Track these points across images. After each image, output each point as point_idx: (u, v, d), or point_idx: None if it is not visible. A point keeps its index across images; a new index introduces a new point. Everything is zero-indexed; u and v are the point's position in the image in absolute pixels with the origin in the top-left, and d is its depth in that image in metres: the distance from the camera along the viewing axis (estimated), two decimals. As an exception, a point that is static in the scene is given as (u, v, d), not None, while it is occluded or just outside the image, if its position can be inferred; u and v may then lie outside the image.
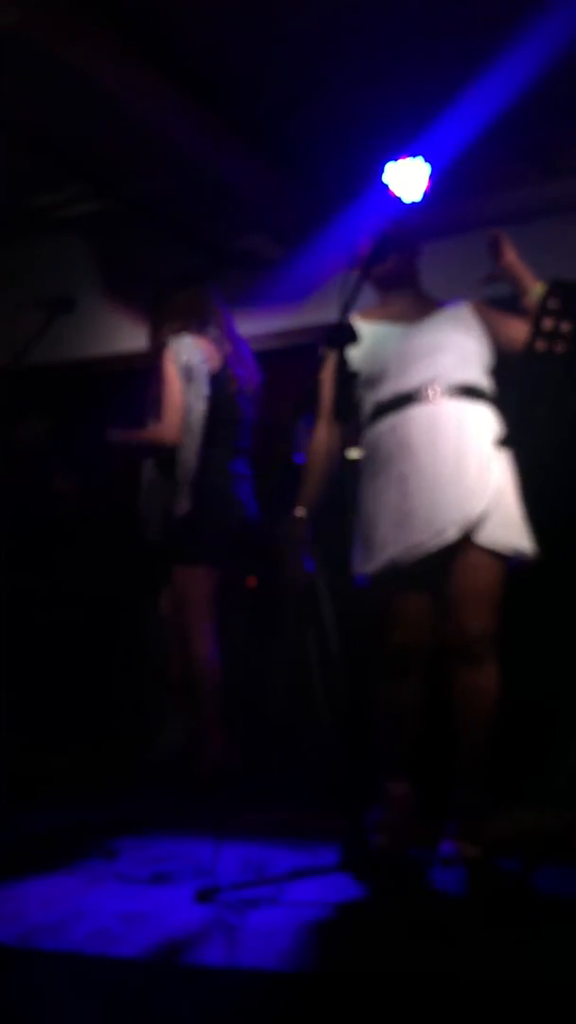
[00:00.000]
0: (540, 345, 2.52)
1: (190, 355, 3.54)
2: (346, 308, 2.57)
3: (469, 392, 2.64)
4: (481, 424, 2.63)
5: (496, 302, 2.81)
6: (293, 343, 4.95)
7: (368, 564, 2.63)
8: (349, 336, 2.58)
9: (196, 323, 3.62)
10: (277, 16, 3.55)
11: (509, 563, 2.61)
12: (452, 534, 2.53)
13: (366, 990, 1.89)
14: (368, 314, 2.81)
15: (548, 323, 2.48)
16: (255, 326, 5.08)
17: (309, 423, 4.00)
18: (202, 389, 3.54)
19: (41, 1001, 1.91)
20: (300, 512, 2.78)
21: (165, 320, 3.66)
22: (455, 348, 2.66)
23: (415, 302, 2.81)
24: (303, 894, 2.42)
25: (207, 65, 3.80)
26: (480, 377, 2.68)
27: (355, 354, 2.69)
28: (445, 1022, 1.79)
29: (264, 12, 3.53)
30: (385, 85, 3.84)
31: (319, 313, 4.67)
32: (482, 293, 2.84)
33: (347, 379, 2.59)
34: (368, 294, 2.81)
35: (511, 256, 2.71)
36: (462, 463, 2.57)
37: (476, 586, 2.55)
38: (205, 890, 2.40)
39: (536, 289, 2.65)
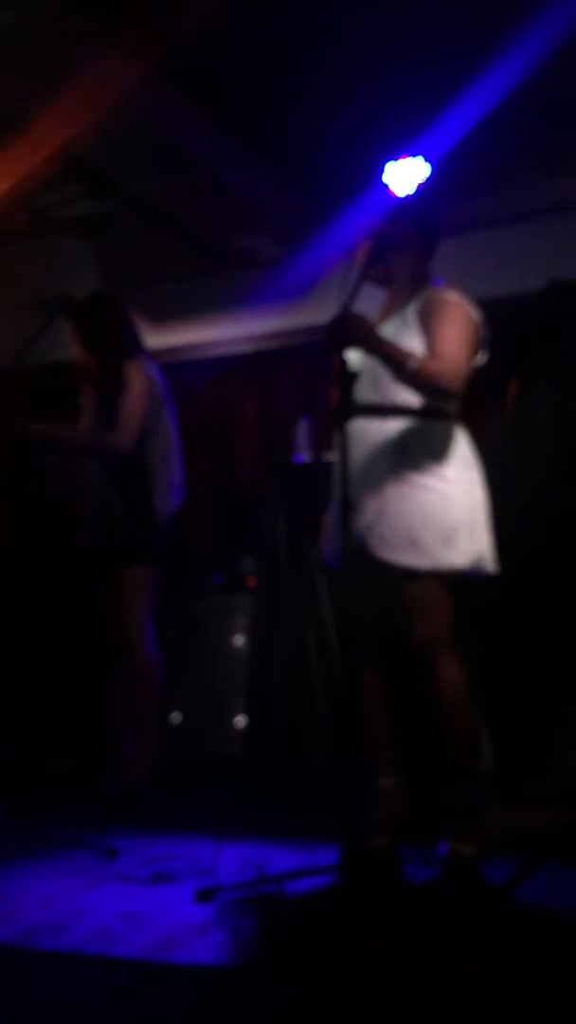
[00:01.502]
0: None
1: (159, 378, 3.64)
2: (346, 308, 2.57)
3: (375, 410, 2.65)
4: (382, 441, 2.64)
5: (499, 301, 2.79)
6: (293, 343, 4.95)
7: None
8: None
9: (136, 345, 3.69)
10: (277, 15, 3.55)
11: (465, 575, 2.62)
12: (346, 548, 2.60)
13: (364, 990, 1.89)
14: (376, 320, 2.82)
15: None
16: (255, 326, 5.09)
17: (309, 423, 4.03)
18: (169, 413, 3.65)
19: (41, 1001, 1.91)
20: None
21: (92, 337, 3.69)
22: (369, 365, 2.64)
23: (385, 312, 2.79)
24: (303, 894, 2.42)
25: (207, 64, 3.80)
26: (394, 392, 2.63)
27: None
28: (441, 1021, 1.79)
29: (264, 11, 3.53)
30: (385, 84, 3.84)
31: (319, 313, 4.66)
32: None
33: (348, 379, 2.58)
34: (373, 295, 2.80)
35: (366, 337, 2.57)
36: (363, 478, 2.61)
37: (404, 596, 2.59)
38: (205, 890, 2.40)
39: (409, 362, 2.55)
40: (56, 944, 2.15)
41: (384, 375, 2.62)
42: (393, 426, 2.65)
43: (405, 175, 2.73)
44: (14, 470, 3.83)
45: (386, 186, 2.73)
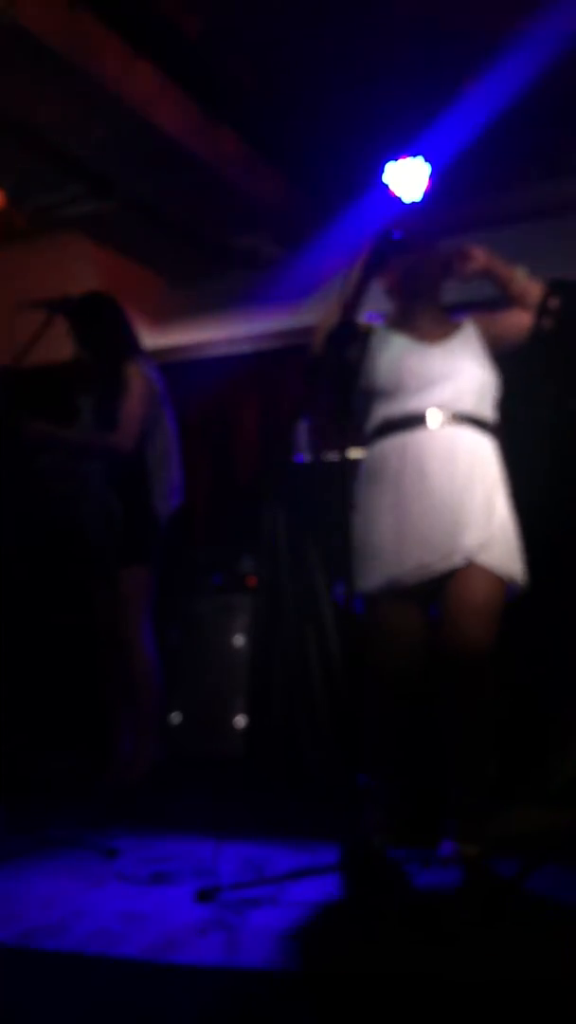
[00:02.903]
0: (547, 323, 2.55)
1: (158, 379, 3.65)
2: (346, 309, 2.57)
3: (477, 422, 2.66)
4: (487, 453, 2.65)
5: (500, 302, 2.79)
6: (293, 343, 4.95)
7: (364, 582, 2.62)
8: (349, 336, 2.57)
9: (135, 346, 3.70)
10: (278, 16, 3.56)
11: (507, 593, 2.61)
12: (458, 560, 2.55)
13: (365, 990, 1.89)
14: (394, 324, 2.80)
15: (554, 302, 2.51)
16: (255, 326, 5.09)
17: (309, 423, 4.02)
18: (168, 414, 3.67)
19: (41, 1001, 1.91)
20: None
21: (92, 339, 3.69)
22: (468, 376, 2.66)
23: (436, 319, 2.78)
24: (303, 894, 2.42)
25: (208, 65, 3.80)
26: (488, 408, 2.70)
27: (378, 362, 2.69)
28: (442, 1021, 1.79)
29: (265, 12, 3.54)
30: (386, 85, 3.84)
31: (319, 313, 4.67)
32: (476, 293, 2.83)
33: (347, 379, 2.58)
34: (376, 298, 2.79)
35: (481, 261, 2.71)
36: (470, 489, 2.58)
37: (475, 601, 2.54)
38: (205, 890, 2.40)
39: (518, 274, 2.68)
40: (56, 944, 2.15)
41: (484, 385, 2.68)
42: (488, 440, 2.68)
43: (405, 175, 2.74)
44: (14, 470, 3.83)
45: (386, 186, 2.73)
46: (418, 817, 2.75)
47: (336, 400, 2.58)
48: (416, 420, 2.64)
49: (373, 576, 2.60)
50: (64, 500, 3.72)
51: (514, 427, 2.74)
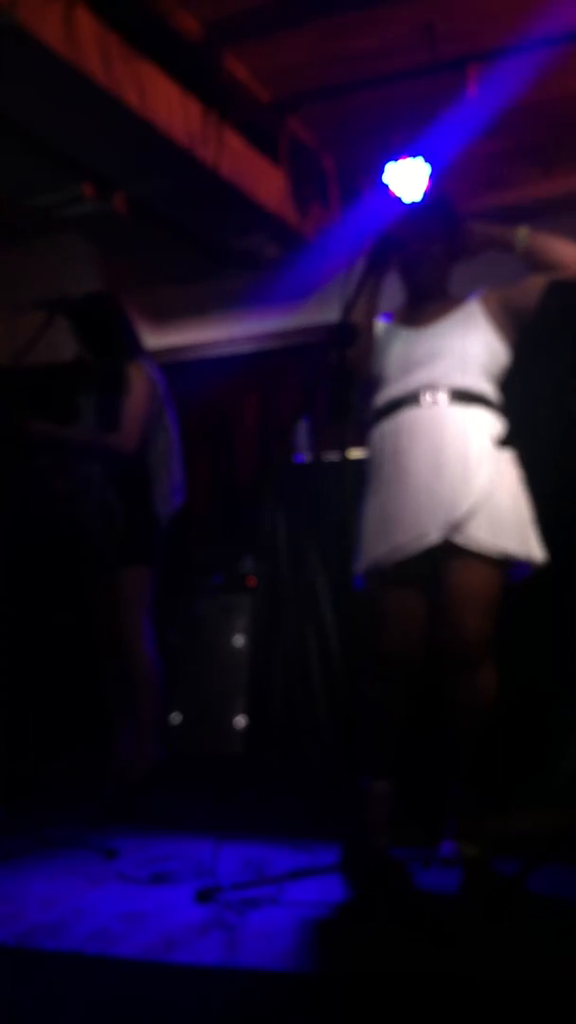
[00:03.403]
0: (553, 303, 2.57)
1: (159, 379, 3.65)
2: (347, 308, 2.57)
3: (464, 396, 2.62)
4: (473, 427, 2.60)
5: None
6: (293, 343, 4.95)
7: (358, 565, 2.65)
8: (349, 336, 2.57)
9: (136, 346, 3.71)
10: (278, 16, 3.56)
11: (514, 572, 2.59)
12: (434, 537, 2.51)
13: (365, 990, 1.89)
14: (401, 319, 2.80)
15: (553, 301, 2.52)
16: (255, 326, 5.09)
17: (309, 423, 4.03)
18: (169, 414, 3.67)
19: (41, 1001, 1.91)
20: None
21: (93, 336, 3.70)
22: (455, 352, 2.64)
23: (440, 307, 2.76)
24: (303, 894, 2.42)
25: (208, 65, 3.80)
26: (478, 381, 2.65)
27: (381, 357, 2.70)
28: (443, 1021, 1.80)
29: (265, 12, 3.54)
30: (386, 85, 3.84)
31: (319, 313, 4.67)
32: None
33: (346, 379, 2.58)
34: (388, 297, 2.79)
35: (476, 234, 2.72)
36: (447, 466, 2.55)
37: (468, 589, 2.52)
38: (205, 890, 2.40)
39: (519, 234, 2.68)
40: (56, 944, 2.15)
41: (474, 360, 2.64)
42: (480, 412, 2.63)
43: (406, 176, 2.74)
44: (14, 470, 3.84)
45: (387, 187, 2.73)
46: (418, 817, 2.76)
47: (336, 400, 2.58)
48: (396, 404, 2.66)
49: (361, 560, 2.64)
50: (65, 500, 3.72)
51: (512, 426, 2.73)
